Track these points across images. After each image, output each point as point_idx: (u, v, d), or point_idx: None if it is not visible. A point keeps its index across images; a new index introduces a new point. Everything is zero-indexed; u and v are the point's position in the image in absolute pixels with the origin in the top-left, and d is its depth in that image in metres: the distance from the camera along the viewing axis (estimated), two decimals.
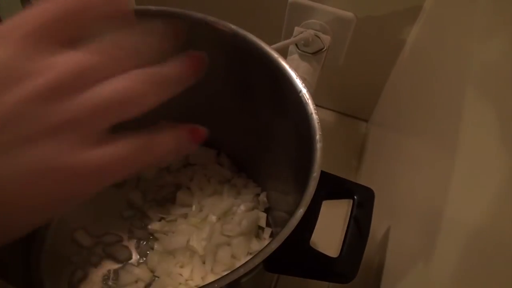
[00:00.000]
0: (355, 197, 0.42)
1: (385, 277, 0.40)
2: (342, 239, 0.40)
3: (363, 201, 0.41)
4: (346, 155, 0.78)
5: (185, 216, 0.59)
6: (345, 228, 0.40)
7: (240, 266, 0.33)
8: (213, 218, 0.58)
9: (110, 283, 0.55)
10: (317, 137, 0.40)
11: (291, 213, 0.48)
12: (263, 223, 0.59)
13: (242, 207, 0.59)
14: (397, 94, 0.66)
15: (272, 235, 0.58)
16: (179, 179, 0.63)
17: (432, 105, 0.43)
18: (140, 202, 0.61)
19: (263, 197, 0.60)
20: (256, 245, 0.57)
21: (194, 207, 0.59)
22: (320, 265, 0.38)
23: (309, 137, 0.41)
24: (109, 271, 0.56)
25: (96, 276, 0.56)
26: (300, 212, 0.35)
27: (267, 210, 0.60)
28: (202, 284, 0.54)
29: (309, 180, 0.37)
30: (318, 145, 0.40)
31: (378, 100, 0.80)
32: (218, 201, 0.60)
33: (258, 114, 0.54)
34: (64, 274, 0.55)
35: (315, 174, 0.38)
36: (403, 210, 0.43)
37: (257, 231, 0.59)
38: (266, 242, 0.58)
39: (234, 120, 0.58)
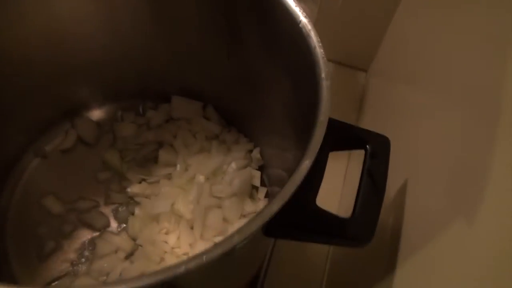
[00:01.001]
0: (368, 146, 0.35)
1: (404, 240, 0.34)
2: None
3: (377, 151, 0.35)
4: (345, 107, 0.71)
5: (168, 177, 0.52)
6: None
7: (236, 232, 0.27)
8: (200, 178, 0.51)
9: (86, 253, 0.49)
10: (323, 74, 0.33)
11: (289, 171, 0.42)
12: (257, 182, 0.52)
13: (233, 165, 0.52)
14: (402, 40, 0.58)
15: (267, 195, 0.52)
16: (161, 136, 0.56)
17: (443, 49, 0.36)
18: (117, 163, 0.54)
19: (256, 153, 0.53)
20: (250, 207, 0.51)
21: (178, 167, 0.52)
22: (329, 227, 0.32)
23: (312, 75, 0.34)
24: (84, 241, 0.50)
25: (70, 247, 0.49)
26: (306, 164, 0.29)
27: (261, 168, 0.54)
28: (190, 252, 0.47)
29: (315, 126, 0.31)
30: (325, 84, 0.32)
31: (379, 48, 0.72)
32: (206, 159, 0.53)
33: (248, 58, 0.47)
34: (32, 246, 0.49)
35: (322, 118, 0.31)
36: (421, 161, 0.37)
37: (251, 191, 0.52)
38: (261, 202, 0.51)
39: (221, 68, 0.51)
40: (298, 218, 0.31)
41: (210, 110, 0.57)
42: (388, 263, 0.34)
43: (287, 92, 0.42)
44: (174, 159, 0.53)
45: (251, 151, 0.54)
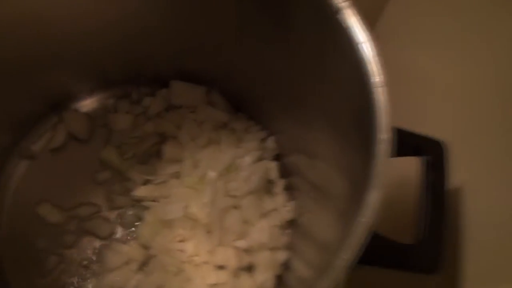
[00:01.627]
0: (423, 154, 0.31)
1: (468, 264, 0.30)
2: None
3: (434, 160, 0.31)
4: None
5: (176, 175, 0.47)
6: None
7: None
8: (212, 175, 0.46)
9: (94, 267, 0.44)
10: (376, 78, 0.28)
11: (311, 155, 0.37)
12: (274, 174, 0.48)
13: (247, 159, 0.47)
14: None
15: (287, 188, 0.48)
16: (163, 127, 0.50)
17: None
18: (116, 161, 0.48)
19: (271, 142, 0.49)
20: (269, 204, 0.47)
21: (186, 163, 0.47)
22: (394, 256, 0.28)
23: (360, 80, 0.29)
24: (90, 252, 0.45)
25: (74, 260, 0.45)
26: (376, 195, 0.24)
27: (277, 158, 0.49)
28: (210, 260, 0.44)
29: (375, 145, 0.26)
30: (379, 90, 0.27)
31: (383, 9, 0.67)
32: (216, 153, 0.48)
33: (259, 27, 0.40)
34: (32, 262, 0.44)
35: (385, 136, 0.26)
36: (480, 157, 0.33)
37: (267, 185, 0.48)
38: (280, 197, 0.47)
39: (228, 49, 0.45)
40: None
41: (215, 96, 0.51)
42: None
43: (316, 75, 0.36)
44: (180, 154, 0.48)
45: (264, 139, 0.49)
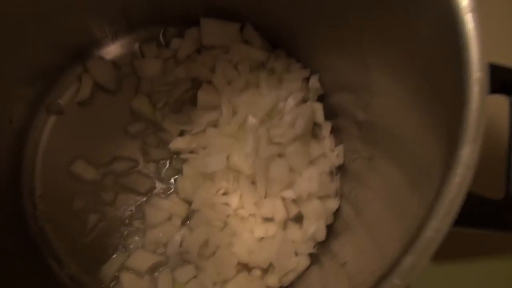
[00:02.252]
0: None
1: None
2: None
3: None
4: None
5: (214, 124, 0.44)
6: None
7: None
8: (253, 122, 0.42)
9: (136, 224, 0.42)
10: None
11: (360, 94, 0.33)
12: (320, 117, 0.44)
13: (291, 101, 0.43)
14: None
15: (333, 131, 0.44)
16: (195, 71, 0.45)
17: None
18: (149, 110, 0.45)
19: (314, 81, 0.44)
20: (316, 149, 0.43)
21: (224, 110, 0.43)
22: (483, 211, 0.24)
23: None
24: (130, 209, 0.43)
25: (115, 217, 0.43)
26: (470, 152, 0.20)
27: (321, 98, 0.45)
28: (257, 212, 0.41)
29: (466, 87, 0.21)
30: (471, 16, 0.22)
31: None
32: (256, 96, 0.43)
33: None
34: (72, 222, 0.42)
35: (479, 75, 0.21)
36: None
37: (313, 129, 0.44)
38: (327, 141, 0.43)
39: None
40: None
41: (250, 32, 0.45)
42: None
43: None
44: (216, 99, 0.44)
45: (307, 78, 0.45)
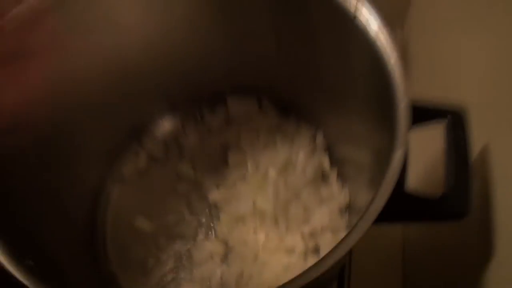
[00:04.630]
0: (444, 119, 0.36)
1: (500, 213, 0.34)
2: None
3: (455, 123, 0.35)
4: None
5: (243, 177, 0.55)
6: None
7: (353, 228, 0.28)
8: (273, 173, 0.53)
9: (185, 264, 0.52)
10: (392, 60, 0.33)
11: (357, 142, 0.43)
12: (326, 165, 0.54)
13: (301, 155, 0.54)
14: None
15: (338, 176, 0.54)
16: (226, 139, 0.58)
17: None
18: (191, 172, 0.57)
19: (319, 137, 0.55)
20: (325, 191, 0.52)
21: (249, 166, 0.54)
22: (425, 208, 0.33)
23: (379, 65, 0.34)
24: (180, 251, 0.53)
25: (168, 259, 0.53)
26: (399, 155, 0.30)
27: (327, 149, 0.55)
28: (281, 245, 0.50)
29: (397, 111, 0.32)
30: (396, 72, 0.33)
31: (411, 2, 0.71)
32: (274, 153, 0.55)
33: (302, 47, 0.47)
34: (135, 265, 0.52)
35: (403, 104, 0.32)
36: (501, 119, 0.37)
37: (322, 175, 0.54)
38: (335, 185, 0.53)
39: (268, 54, 0.51)
40: (395, 206, 0.32)
41: (265, 104, 0.58)
42: (480, 247, 0.35)
43: (351, 70, 0.42)
44: (243, 159, 0.55)
45: (313, 135, 0.56)
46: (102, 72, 0.49)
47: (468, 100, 0.37)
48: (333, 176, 0.53)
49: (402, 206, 0.33)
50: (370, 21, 0.35)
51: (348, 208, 0.52)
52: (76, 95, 0.48)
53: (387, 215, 0.32)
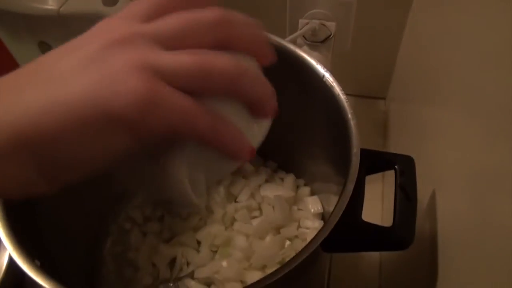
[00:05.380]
0: (396, 166, 0.43)
1: (441, 243, 0.40)
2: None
3: (404, 169, 0.42)
4: (371, 135, 0.79)
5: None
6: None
7: (297, 254, 0.34)
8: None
9: None
10: (349, 115, 0.41)
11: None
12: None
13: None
14: (412, 64, 0.67)
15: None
16: None
17: (449, 68, 0.44)
18: None
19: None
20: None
21: None
22: (376, 236, 0.39)
23: (341, 118, 0.42)
24: None
25: None
26: (349, 188, 0.37)
27: None
28: None
29: (351, 157, 0.39)
30: (352, 123, 0.41)
31: (392, 75, 0.81)
32: None
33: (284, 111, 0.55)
34: None
35: (355, 150, 0.39)
36: (445, 172, 0.44)
37: None
38: None
39: None
40: (349, 233, 0.38)
41: None
42: (430, 268, 0.41)
43: (324, 133, 0.50)
44: None
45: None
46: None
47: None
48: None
49: (358, 233, 0.39)
50: (334, 84, 0.44)
51: None
52: None
53: (341, 243, 0.38)
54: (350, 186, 0.37)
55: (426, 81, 0.55)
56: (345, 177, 0.39)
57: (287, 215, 0.57)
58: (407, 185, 0.41)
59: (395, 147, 0.71)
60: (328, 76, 0.44)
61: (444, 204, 0.42)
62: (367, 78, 0.84)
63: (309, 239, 0.55)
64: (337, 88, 0.44)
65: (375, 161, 0.43)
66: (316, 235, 0.36)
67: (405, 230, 0.39)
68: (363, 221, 0.39)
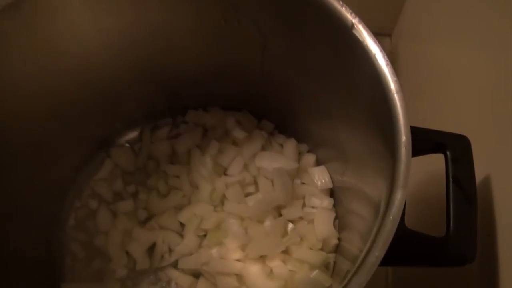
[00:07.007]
0: (448, 151, 0.32)
1: (502, 254, 0.31)
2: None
3: (458, 155, 0.32)
4: None
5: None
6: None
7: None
8: None
9: None
10: (392, 86, 0.30)
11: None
12: None
13: None
14: None
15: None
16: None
17: None
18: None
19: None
20: None
21: None
22: (426, 249, 0.29)
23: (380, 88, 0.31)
24: None
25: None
26: (400, 196, 0.26)
27: None
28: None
29: (399, 148, 0.28)
30: (397, 96, 0.29)
31: (401, 10, 0.68)
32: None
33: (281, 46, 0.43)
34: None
35: (405, 139, 0.28)
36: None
37: None
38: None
39: (253, 67, 0.47)
40: (398, 245, 0.28)
41: (246, 116, 0.54)
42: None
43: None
44: None
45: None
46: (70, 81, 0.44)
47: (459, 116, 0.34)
48: None
49: (403, 244, 0.29)
50: (367, 36, 0.32)
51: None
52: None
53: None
54: (401, 194, 0.26)
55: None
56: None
57: (289, 191, 0.47)
58: (463, 177, 0.31)
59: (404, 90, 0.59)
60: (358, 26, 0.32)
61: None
62: (372, 13, 0.70)
63: (317, 222, 0.46)
64: (370, 43, 0.31)
65: (420, 141, 0.32)
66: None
67: (464, 242, 0.29)
68: (407, 229, 0.30)
